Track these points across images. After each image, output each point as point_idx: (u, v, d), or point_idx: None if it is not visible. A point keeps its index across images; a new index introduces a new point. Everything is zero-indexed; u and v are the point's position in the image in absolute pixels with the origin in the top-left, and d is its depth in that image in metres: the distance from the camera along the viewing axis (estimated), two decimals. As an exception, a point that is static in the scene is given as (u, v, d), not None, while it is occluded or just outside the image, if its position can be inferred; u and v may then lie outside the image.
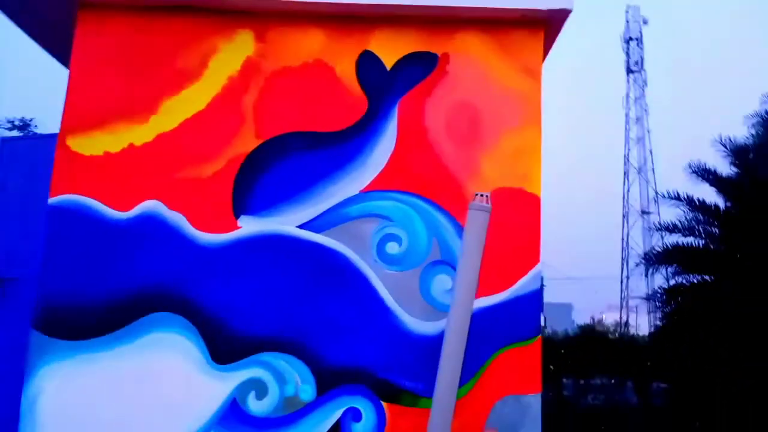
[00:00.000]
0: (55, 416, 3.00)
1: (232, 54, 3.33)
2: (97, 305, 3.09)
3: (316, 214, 3.16)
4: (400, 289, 3.09)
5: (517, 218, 3.12)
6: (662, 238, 9.47)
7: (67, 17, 3.38)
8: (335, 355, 3.03)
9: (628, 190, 53.53)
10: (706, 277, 8.01)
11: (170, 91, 3.29)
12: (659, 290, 9.28)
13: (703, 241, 8.13)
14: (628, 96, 41.45)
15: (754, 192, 7.42)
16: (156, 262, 3.12)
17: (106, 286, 3.11)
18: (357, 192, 3.18)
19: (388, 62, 3.32)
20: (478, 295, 3.02)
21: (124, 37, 3.35)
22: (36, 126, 12.70)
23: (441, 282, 3.09)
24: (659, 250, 8.89)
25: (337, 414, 2.98)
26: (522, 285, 3.07)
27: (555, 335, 17.19)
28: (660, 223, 9.33)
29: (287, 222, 3.15)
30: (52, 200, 3.18)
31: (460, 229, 3.11)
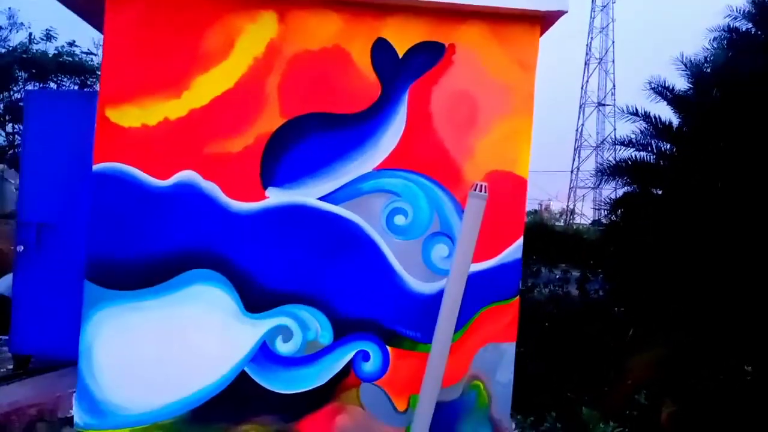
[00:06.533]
0: (108, 357, 3.55)
1: (256, 35, 3.61)
2: (142, 260, 3.56)
3: (334, 188, 3.63)
4: (404, 255, 3.65)
5: (506, 198, 3.66)
6: (615, 151, 9.77)
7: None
8: (349, 308, 3.63)
9: (587, 81, 53.86)
10: (654, 191, 8.47)
11: (200, 69, 3.59)
12: (608, 200, 9.91)
13: (654, 157, 8.39)
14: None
15: (704, 108, 7.32)
16: (194, 225, 3.57)
17: (149, 244, 3.57)
18: (370, 170, 3.65)
19: (400, 50, 3.67)
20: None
21: (154, 14, 3.57)
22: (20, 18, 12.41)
23: (439, 250, 3.67)
24: (613, 162, 9.16)
25: (350, 355, 3.63)
26: (506, 254, 3.68)
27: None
28: (617, 138, 9.64)
29: (309, 194, 3.62)
30: (96, 167, 3.54)
31: (457, 205, 3.65)
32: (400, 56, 3.66)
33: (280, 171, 3.61)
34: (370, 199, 3.65)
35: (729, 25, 7.81)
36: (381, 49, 3.65)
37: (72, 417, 3.55)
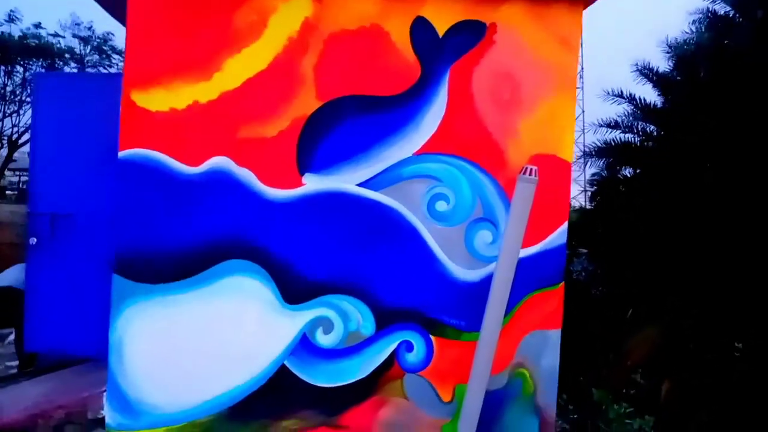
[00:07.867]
0: (140, 354, 3.38)
1: (290, 14, 3.42)
2: (174, 252, 3.38)
3: (373, 173, 3.48)
4: (447, 242, 3.53)
5: (550, 182, 3.55)
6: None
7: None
8: (391, 297, 3.51)
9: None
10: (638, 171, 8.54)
11: (231, 49, 3.39)
12: (593, 180, 9.97)
13: (639, 138, 8.49)
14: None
15: (692, 88, 7.54)
16: (228, 213, 3.40)
17: (181, 234, 3.39)
18: (410, 155, 3.50)
19: (440, 29, 3.52)
20: (512, 247, 3.52)
21: (181, -10, 3.36)
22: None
23: (483, 236, 3.55)
24: (599, 144, 9.24)
25: (393, 345, 3.52)
26: (551, 240, 3.58)
27: None
28: (603, 120, 9.69)
29: (348, 180, 3.47)
30: (122, 154, 3.34)
31: (500, 189, 3.54)
32: (441, 35, 3.51)
33: (317, 156, 3.45)
34: (410, 185, 3.51)
35: (708, 8, 7.99)
36: (420, 28, 3.50)
37: (103, 418, 3.38)
